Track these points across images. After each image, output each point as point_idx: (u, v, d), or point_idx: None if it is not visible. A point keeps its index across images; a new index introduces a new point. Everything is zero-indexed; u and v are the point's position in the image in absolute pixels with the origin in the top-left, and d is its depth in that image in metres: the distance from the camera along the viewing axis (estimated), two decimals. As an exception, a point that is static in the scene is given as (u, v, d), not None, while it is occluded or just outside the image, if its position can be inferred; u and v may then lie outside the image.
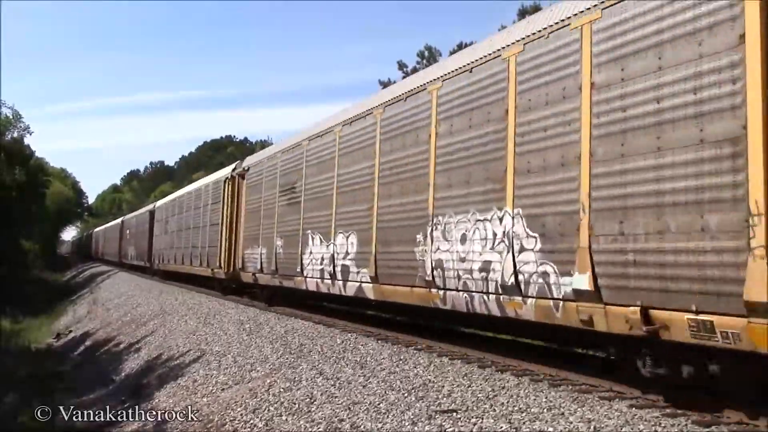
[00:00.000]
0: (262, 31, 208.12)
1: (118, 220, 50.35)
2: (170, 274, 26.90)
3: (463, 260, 7.54)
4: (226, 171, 19.26)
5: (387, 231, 9.31)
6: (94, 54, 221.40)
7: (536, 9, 28.20)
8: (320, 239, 11.49)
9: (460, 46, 31.84)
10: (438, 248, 8.04)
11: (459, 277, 7.62)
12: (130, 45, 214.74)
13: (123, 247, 43.57)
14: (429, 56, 37.30)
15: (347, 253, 10.40)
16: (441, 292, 7.98)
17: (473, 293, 7.36)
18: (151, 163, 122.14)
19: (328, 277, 11.01)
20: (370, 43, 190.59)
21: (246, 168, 16.84)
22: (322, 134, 12.05)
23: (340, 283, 10.61)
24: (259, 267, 14.63)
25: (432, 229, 8.19)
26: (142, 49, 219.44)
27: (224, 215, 17.77)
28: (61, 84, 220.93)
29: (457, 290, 7.66)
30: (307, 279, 11.95)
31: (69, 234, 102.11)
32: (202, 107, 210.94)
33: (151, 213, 32.64)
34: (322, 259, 11.29)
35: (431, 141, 8.43)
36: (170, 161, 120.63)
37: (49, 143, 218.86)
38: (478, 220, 7.33)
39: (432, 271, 8.10)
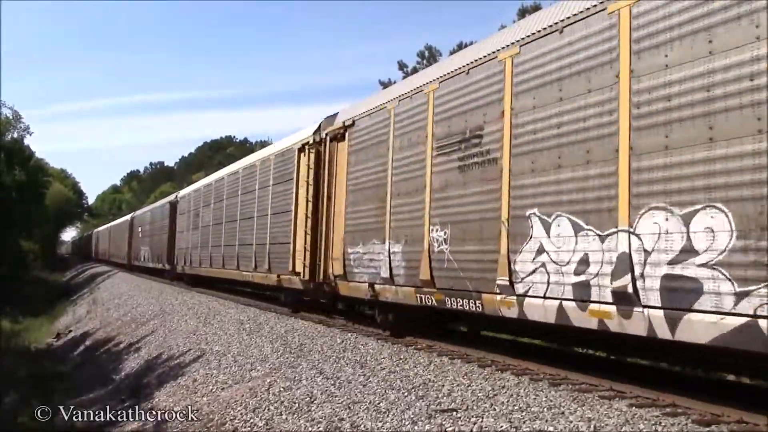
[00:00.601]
0: (262, 31, 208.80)
1: (127, 217, 44.17)
2: (200, 279, 22.31)
3: None
4: (302, 135, 13.31)
5: None
6: (94, 54, 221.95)
7: (536, 8, 28.21)
8: (571, 225, 6.23)
9: (460, 46, 31.86)
10: None
11: None
12: (130, 45, 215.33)
13: (133, 248, 38.32)
14: (429, 56, 37.31)
15: (691, 252, 5.02)
16: None
17: None
18: (151, 164, 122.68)
19: (610, 299, 5.73)
20: (370, 43, 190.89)
21: (348, 122, 11.06)
22: (564, 27, 6.49)
23: (658, 314, 5.28)
24: (386, 274, 9.38)
25: None
26: (142, 49, 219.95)
27: (302, 198, 12.56)
28: (61, 84, 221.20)
29: None
30: (527, 301, 6.69)
31: (69, 234, 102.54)
32: (202, 107, 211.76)
33: (173, 205, 27.27)
34: (583, 263, 6.06)
35: None
36: (170, 161, 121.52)
37: (49, 144, 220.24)
38: None
39: None
